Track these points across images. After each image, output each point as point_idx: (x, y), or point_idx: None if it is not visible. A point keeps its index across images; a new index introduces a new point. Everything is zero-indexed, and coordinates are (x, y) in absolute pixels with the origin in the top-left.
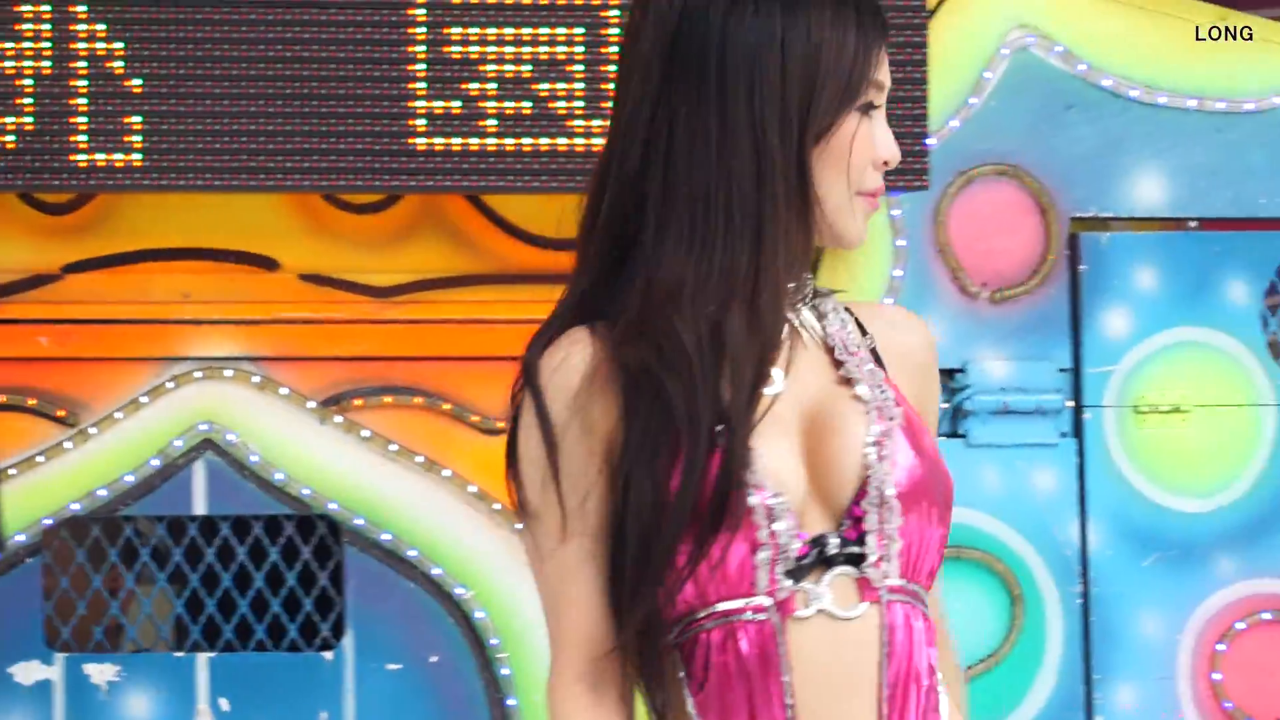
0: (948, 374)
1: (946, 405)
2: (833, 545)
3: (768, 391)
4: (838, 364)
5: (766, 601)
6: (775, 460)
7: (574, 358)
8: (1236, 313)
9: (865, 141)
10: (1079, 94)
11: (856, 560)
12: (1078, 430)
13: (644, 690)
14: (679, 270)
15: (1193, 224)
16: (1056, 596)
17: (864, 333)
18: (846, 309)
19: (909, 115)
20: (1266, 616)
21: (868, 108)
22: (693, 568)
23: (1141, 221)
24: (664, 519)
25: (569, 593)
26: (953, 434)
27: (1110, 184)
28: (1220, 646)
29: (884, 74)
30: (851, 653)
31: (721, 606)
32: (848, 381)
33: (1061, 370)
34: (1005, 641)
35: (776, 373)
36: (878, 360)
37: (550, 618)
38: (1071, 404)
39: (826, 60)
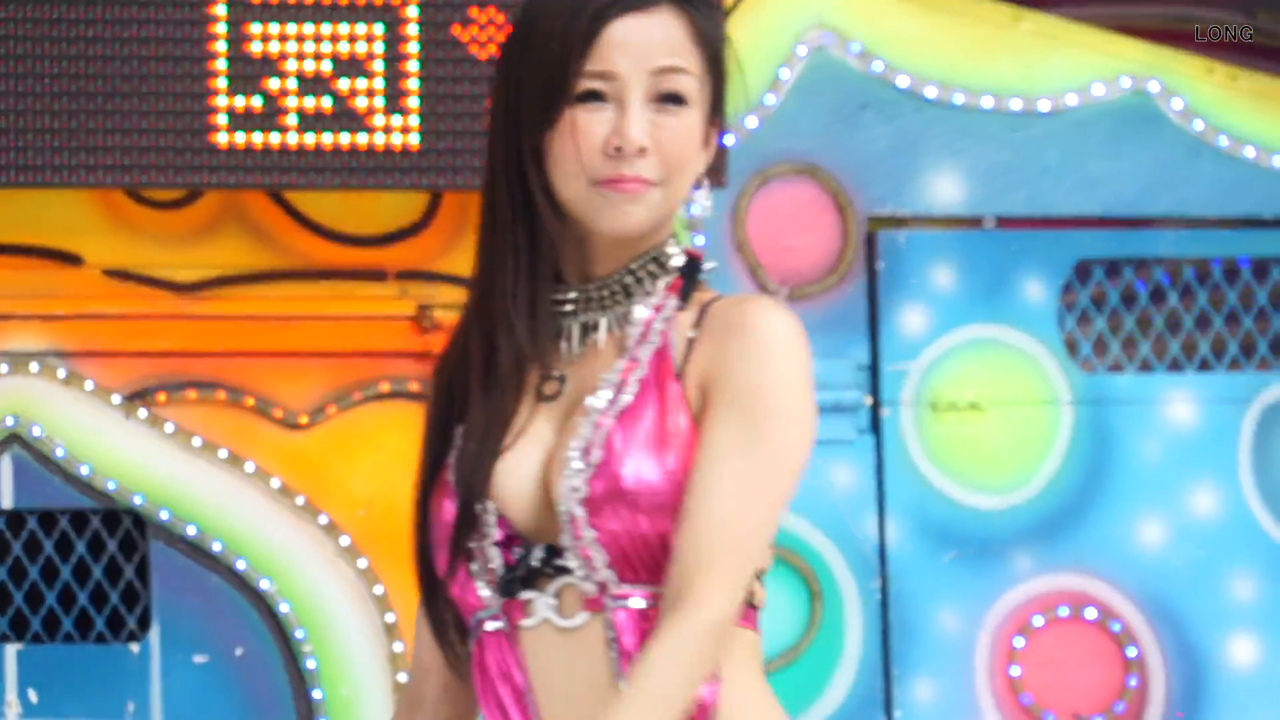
0: None
1: None
2: (536, 558)
3: (546, 392)
4: (616, 359)
5: (495, 610)
6: (504, 473)
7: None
8: (1033, 310)
9: (583, 132)
10: (875, 93)
11: (565, 570)
12: (875, 427)
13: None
14: (480, 279)
15: (989, 222)
16: (855, 592)
17: (695, 326)
18: (708, 306)
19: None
20: (1064, 612)
21: (588, 97)
22: (436, 579)
23: (938, 220)
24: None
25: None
26: None
27: (907, 183)
28: (1018, 641)
29: (617, 57)
30: (581, 660)
31: (474, 616)
32: (598, 387)
33: (860, 367)
34: (804, 637)
35: (563, 374)
36: (687, 359)
37: None
38: (870, 401)
39: (532, 62)
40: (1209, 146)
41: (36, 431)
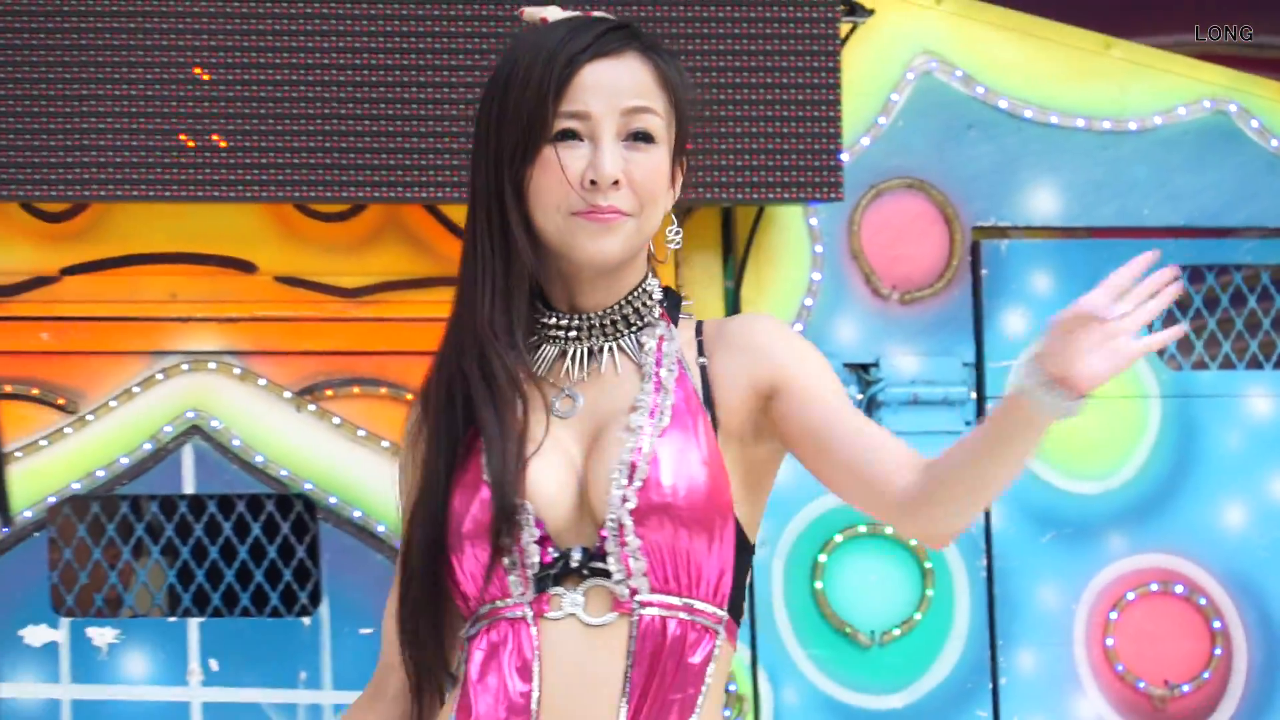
0: (863, 368)
1: (861, 397)
2: (575, 559)
3: (562, 412)
4: (642, 383)
5: (522, 603)
6: (535, 476)
7: (415, 408)
8: None
9: (561, 167)
10: (978, 114)
11: (606, 574)
12: (981, 419)
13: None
14: (462, 307)
15: (1082, 233)
16: (964, 570)
17: (702, 356)
18: (700, 329)
19: (824, 134)
20: (1154, 588)
21: (564, 136)
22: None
23: (1036, 230)
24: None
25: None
26: None
27: (1008, 196)
28: (1112, 615)
29: (589, 98)
30: (599, 655)
31: (486, 606)
32: (634, 407)
33: (965, 364)
34: (918, 610)
35: (581, 392)
36: (706, 384)
37: None
38: (975, 395)
39: (512, 103)
40: None
41: (215, 424)
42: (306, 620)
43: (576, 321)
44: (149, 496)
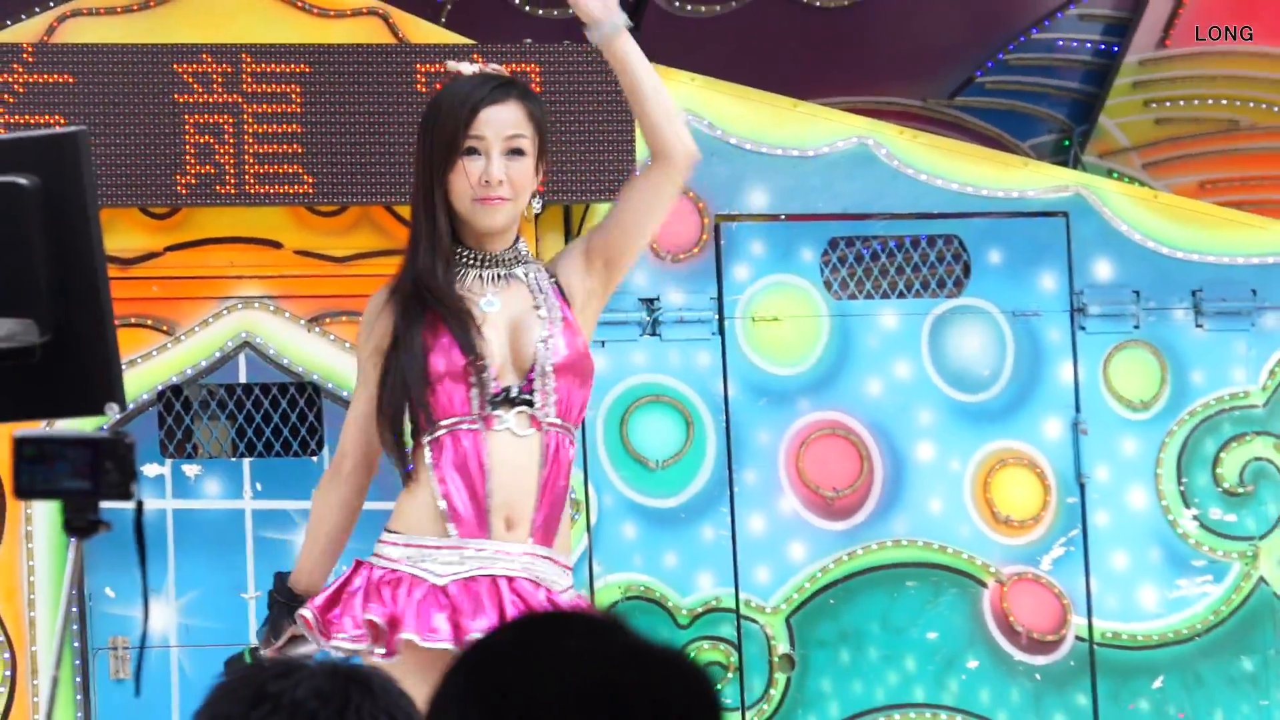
0: (649, 301)
1: (648, 318)
2: (514, 391)
3: (486, 308)
4: (533, 295)
5: (476, 419)
6: (486, 344)
7: (373, 301)
8: (806, 265)
9: (468, 172)
10: (717, 147)
11: (529, 404)
12: (721, 330)
13: (400, 465)
14: (411, 257)
15: (781, 218)
16: (712, 422)
17: (552, 276)
18: (546, 267)
19: (624, 156)
20: (826, 432)
21: (469, 152)
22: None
23: (754, 216)
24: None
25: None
26: None
27: (736, 196)
28: (802, 449)
29: (485, 128)
30: (524, 456)
31: (450, 420)
32: (536, 306)
33: (711, 298)
34: (684, 446)
35: (495, 298)
36: (561, 291)
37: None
38: (718, 317)
39: (439, 131)
40: (901, 174)
41: (259, 340)
42: (314, 458)
43: (484, 257)
44: (218, 385)
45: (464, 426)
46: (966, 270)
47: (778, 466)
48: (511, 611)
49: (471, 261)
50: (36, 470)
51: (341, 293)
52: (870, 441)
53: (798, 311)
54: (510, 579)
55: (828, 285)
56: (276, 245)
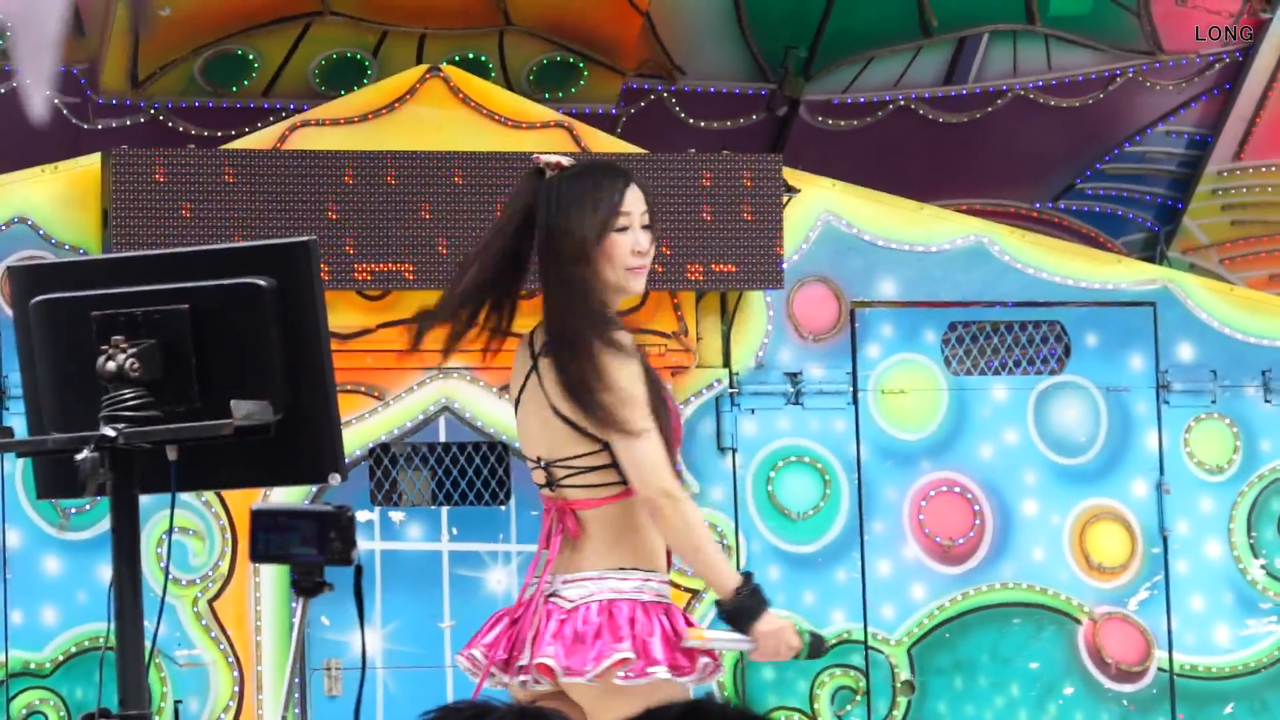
0: (792, 375)
1: (792, 390)
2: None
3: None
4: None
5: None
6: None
7: (628, 338)
8: (929, 346)
9: (621, 245)
10: (853, 243)
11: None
12: (855, 400)
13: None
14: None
15: (908, 304)
16: (846, 481)
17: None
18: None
19: (772, 252)
20: (944, 489)
21: (621, 229)
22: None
23: (884, 303)
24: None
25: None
26: None
27: (869, 285)
28: (923, 503)
29: (630, 205)
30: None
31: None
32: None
33: (846, 373)
34: (821, 499)
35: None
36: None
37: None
38: (851, 389)
39: (589, 207)
40: (1012, 268)
41: (457, 405)
42: (503, 507)
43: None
44: (421, 443)
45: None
46: (1067, 351)
47: (902, 518)
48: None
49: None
50: (270, 539)
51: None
52: (983, 498)
53: (921, 385)
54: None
55: (947, 363)
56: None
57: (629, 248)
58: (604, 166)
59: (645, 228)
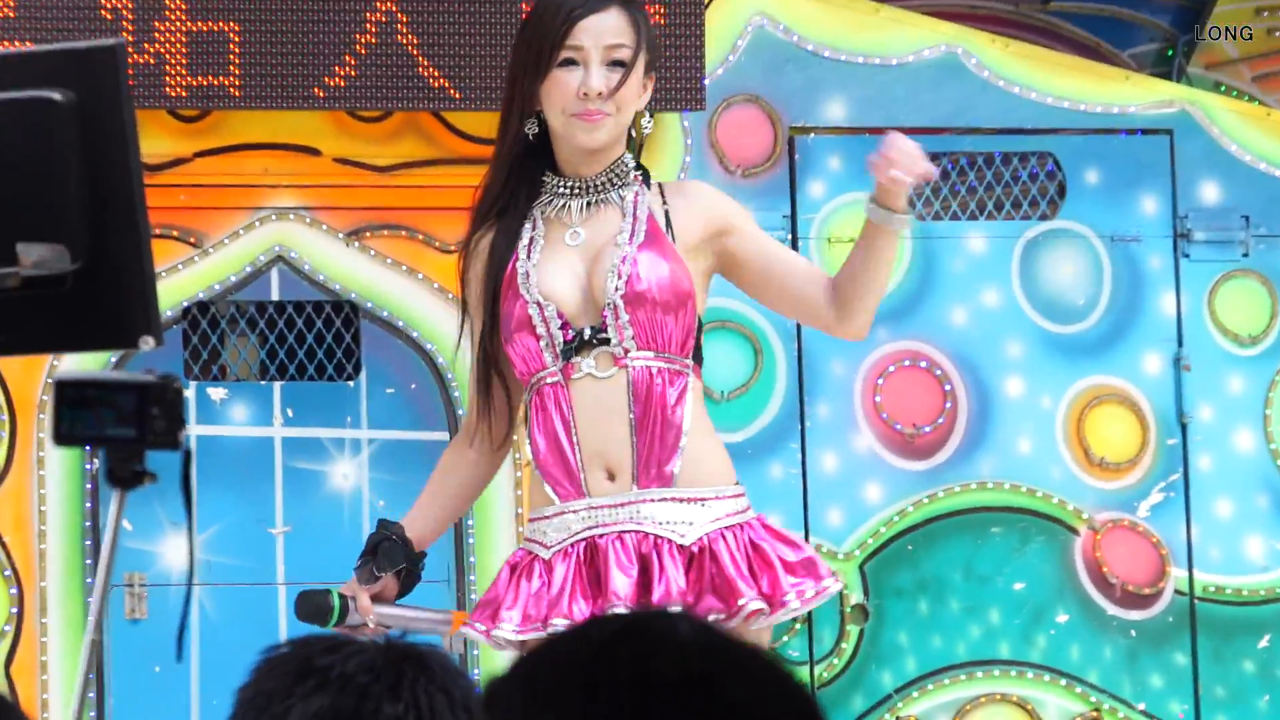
0: None
1: None
2: (587, 334)
3: (570, 242)
4: (622, 219)
5: (555, 369)
6: (552, 281)
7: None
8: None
9: (564, 83)
10: (792, 54)
11: (606, 342)
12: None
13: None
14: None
15: (861, 130)
16: (783, 351)
17: (665, 203)
18: (661, 187)
19: (693, 66)
20: (906, 363)
21: (566, 63)
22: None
23: (830, 129)
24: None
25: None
26: None
27: (812, 108)
28: (879, 381)
29: (583, 35)
30: (610, 397)
31: (535, 377)
32: (619, 231)
33: (784, 216)
34: (752, 377)
35: (581, 229)
36: (668, 219)
37: None
38: (790, 236)
39: (533, 42)
40: (992, 86)
41: (293, 254)
42: (351, 383)
43: (577, 184)
44: (248, 301)
45: (547, 381)
46: (1061, 191)
47: (853, 400)
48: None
49: (561, 188)
50: (78, 416)
51: (383, 204)
52: (954, 374)
53: None
54: (621, 536)
55: (910, 204)
56: (314, 152)
57: (571, 88)
58: None
59: (615, 64)
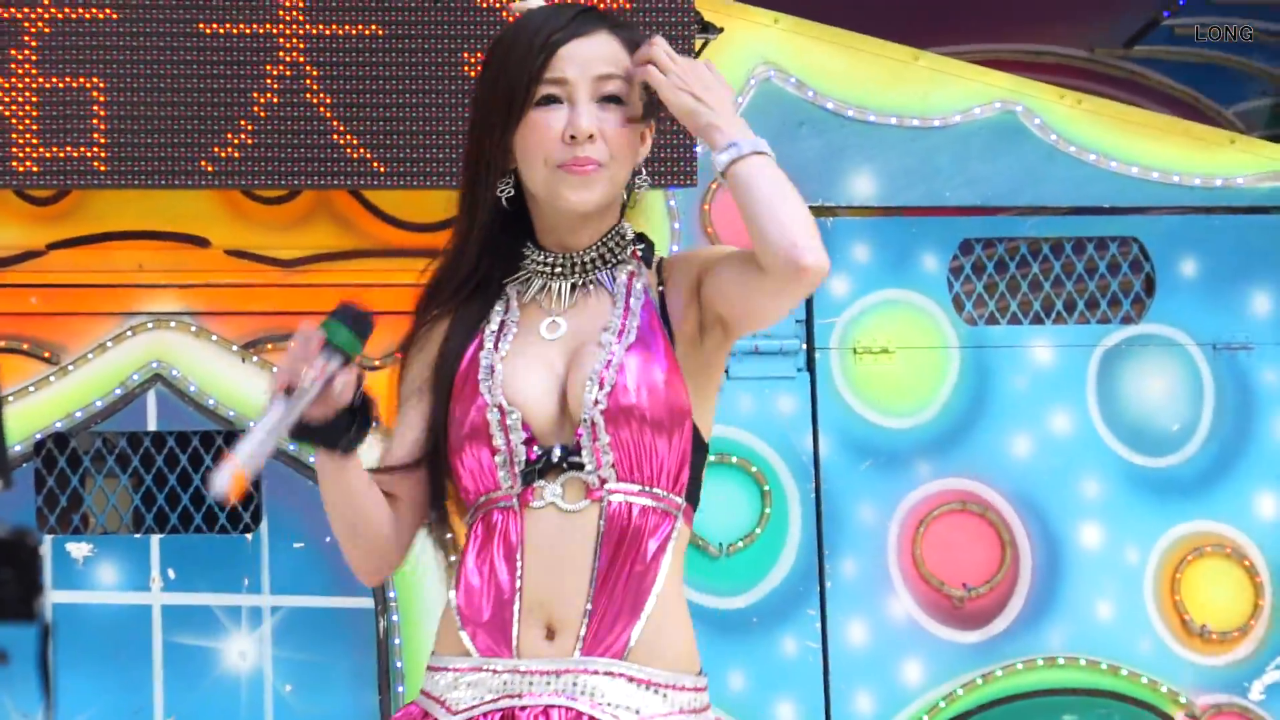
0: None
1: None
2: (556, 455)
3: (546, 335)
4: (612, 310)
5: (510, 493)
6: (520, 382)
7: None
8: (928, 277)
9: (540, 127)
10: (808, 114)
11: (580, 466)
12: (810, 366)
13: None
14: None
15: (894, 211)
16: (796, 492)
17: (661, 284)
18: (661, 266)
19: (681, 130)
20: (954, 506)
21: (547, 101)
22: (451, 468)
23: (856, 209)
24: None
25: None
26: None
27: (833, 182)
28: (920, 529)
29: (565, 66)
30: (573, 537)
31: (484, 498)
32: (605, 328)
33: (798, 321)
34: (758, 525)
35: (563, 319)
36: (663, 306)
37: None
38: (805, 346)
39: (502, 79)
40: (1061, 153)
41: (175, 372)
42: (249, 536)
43: (561, 259)
44: (118, 433)
45: (498, 506)
46: (1150, 286)
47: (887, 554)
48: None
49: (542, 264)
50: None
51: (288, 308)
52: (1014, 521)
53: (917, 341)
54: (548, 711)
55: (958, 305)
56: (201, 242)
57: (555, 131)
58: (556, 7)
59: (608, 99)
